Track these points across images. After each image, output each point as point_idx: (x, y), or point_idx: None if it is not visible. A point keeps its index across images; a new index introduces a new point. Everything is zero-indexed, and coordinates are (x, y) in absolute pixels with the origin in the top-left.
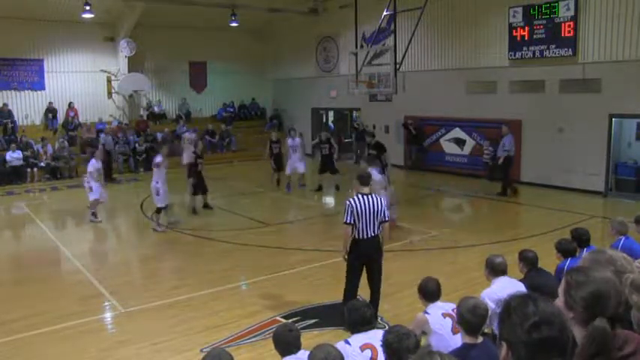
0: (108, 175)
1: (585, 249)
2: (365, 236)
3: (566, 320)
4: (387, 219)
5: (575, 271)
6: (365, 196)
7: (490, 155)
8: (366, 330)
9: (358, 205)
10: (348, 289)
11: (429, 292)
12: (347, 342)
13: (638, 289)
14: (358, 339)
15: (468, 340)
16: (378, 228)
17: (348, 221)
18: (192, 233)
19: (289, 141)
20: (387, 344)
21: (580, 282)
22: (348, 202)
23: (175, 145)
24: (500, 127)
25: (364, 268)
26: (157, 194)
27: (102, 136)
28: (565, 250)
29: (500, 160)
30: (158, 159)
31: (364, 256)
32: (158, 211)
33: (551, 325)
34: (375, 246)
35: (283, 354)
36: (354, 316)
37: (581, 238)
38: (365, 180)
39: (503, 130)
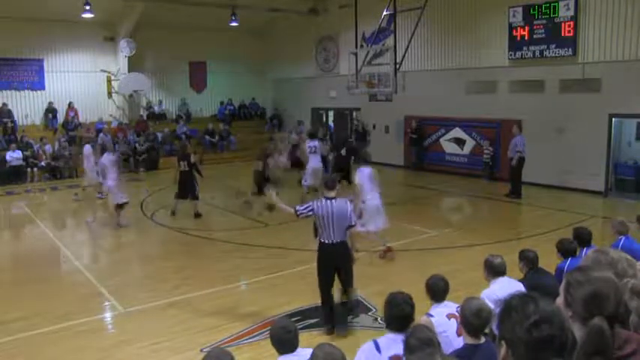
0: None
1: (586, 249)
2: (329, 241)
3: (566, 319)
4: (353, 223)
5: (576, 271)
6: (329, 200)
7: (490, 155)
8: (402, 328)
9: (320, 208)
10: (321, 291)
11: (440, 291)
12: (376, 345)
13: (638, 294)
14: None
15: (470, 340)
16: (345, 234)
17: (299, 210)
18: (192, 233)
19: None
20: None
21: (580, 282)
22: (313, 202)
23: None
24: (499, 127)
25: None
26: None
27: (100, 135)
28: (565, 250)
29: (514, 162)
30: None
31: (329, 261)
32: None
33: (551, 324)
34: (340, 252)
35: (280, 352)
36: (392, 309)
37: (582, 238)
38: (330, 184)
39: (513, 130)
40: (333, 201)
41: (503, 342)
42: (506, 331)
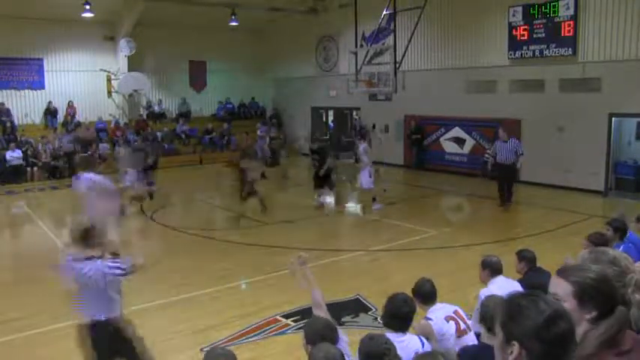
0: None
1: (623, 244)
2: (85, 320)
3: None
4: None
5: (574, 269)
6: (83, 263)
7: (494, 155)
8: (399, 328)
9: (76, 269)
10: None
11: (426, 293)
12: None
13: None
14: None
15: (490, 341)
16: (109, 308)
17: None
18: (192, 233)
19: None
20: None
21: (583, 274)
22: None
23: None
24: (499, 127)
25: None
26: None
27: (64, 137)
28: (603, 243)
29: (519, 164)
30: None
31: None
32: None
33: (564, 319)
34: (103, 335)
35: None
36: (390, 308)
37: (619, 228)
38: (80, 235)
39: (500, 135)
40: (90, 264)
41: (515, 343)
42: (519, 330)
